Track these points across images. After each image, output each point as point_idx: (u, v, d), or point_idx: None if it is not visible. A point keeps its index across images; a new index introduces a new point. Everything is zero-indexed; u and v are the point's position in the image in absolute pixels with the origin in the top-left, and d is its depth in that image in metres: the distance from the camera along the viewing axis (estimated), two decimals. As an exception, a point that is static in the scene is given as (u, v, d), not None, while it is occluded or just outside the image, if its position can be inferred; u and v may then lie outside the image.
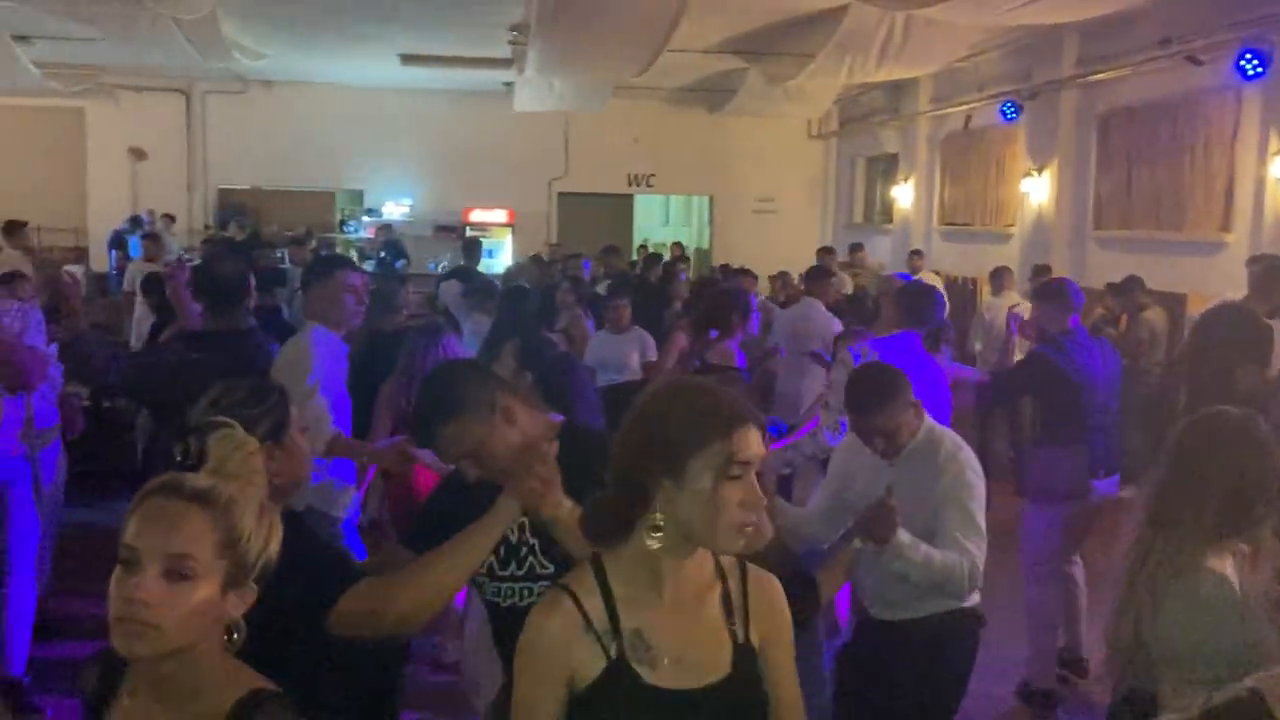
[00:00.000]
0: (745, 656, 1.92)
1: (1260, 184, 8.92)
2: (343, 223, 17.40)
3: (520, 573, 2.53)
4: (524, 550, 2.52)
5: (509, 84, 14.44)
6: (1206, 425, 2.54)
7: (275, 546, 1.73)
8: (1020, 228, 12.55)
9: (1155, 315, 8.75)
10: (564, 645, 1.85)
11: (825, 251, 12.70)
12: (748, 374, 6.21)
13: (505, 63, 13.03)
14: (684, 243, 17.81)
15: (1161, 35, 9.66)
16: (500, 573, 2.54)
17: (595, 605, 1.87)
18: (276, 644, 1.94)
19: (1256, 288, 5.63)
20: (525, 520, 2.43)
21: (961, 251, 14.19)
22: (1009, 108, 11.75)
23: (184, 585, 1.60)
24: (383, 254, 14.91)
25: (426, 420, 2.49)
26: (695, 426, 1.83)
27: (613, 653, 1.84)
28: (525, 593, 2.51)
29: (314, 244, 13.65)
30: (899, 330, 5.17)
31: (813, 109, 16.08)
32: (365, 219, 17.18)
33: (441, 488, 2.82)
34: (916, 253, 12.92)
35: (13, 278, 5.54)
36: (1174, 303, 8.95)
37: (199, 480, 1.70)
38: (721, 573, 1.96)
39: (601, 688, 1.84)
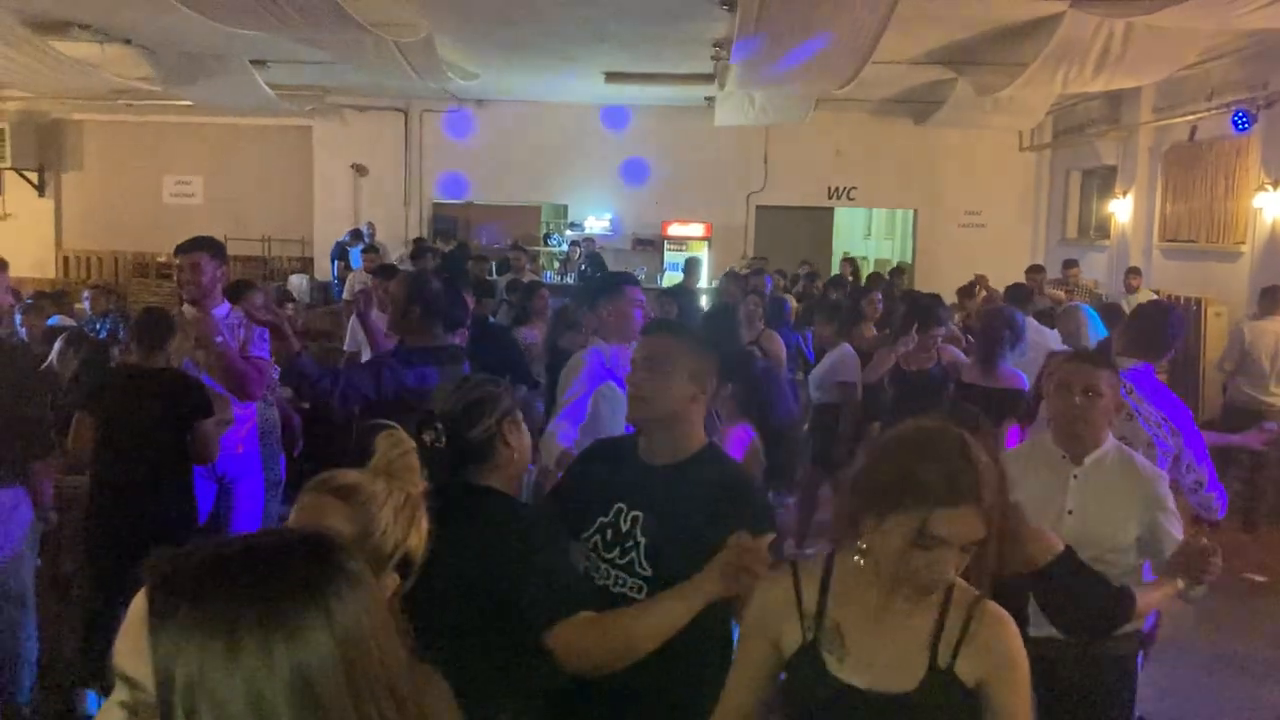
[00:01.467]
0: (938, 681, 1.96)
1: None
2: (547, 236, 17.89)
3: (621, 561, 2.65)
4: (630, 544, 2.64)
5: (710, 99, 14.53)
6: None
7: (418, 540, 1.84)
8: (1251, 245, 11.72)
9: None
10: (775, 614, 2.05)
11: (1034, 270, 12.21)
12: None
13: (707, 78, 13.12)
14: (887, 257, 17.47)
15: None
16: (605, 554, 2.68)
17: (811, 590, 2.03)
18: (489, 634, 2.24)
19: None
20: (639, 515, 2.61)
21: (1184, 270, 13.37)
22: (1241, 117, 11.00)
23: None
24: (584, 267, 15.24)
25: None
26: (900, 488, 1.90)
27: (810, 635, 2.00)
28: (619, 581, 2.64)
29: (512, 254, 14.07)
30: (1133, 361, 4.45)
31: (1024, 120, 15.49)
32: (568, 233, 17.62)
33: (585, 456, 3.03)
34: (1134, 270, 12.26)
35: (241, 288, 5.90)
36: None
37: (347, 476, 1.85)
38: (948, 601, 2.01)
39: (793, 664, 2.02)
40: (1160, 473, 3.30)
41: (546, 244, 17.70)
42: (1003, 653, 2.00)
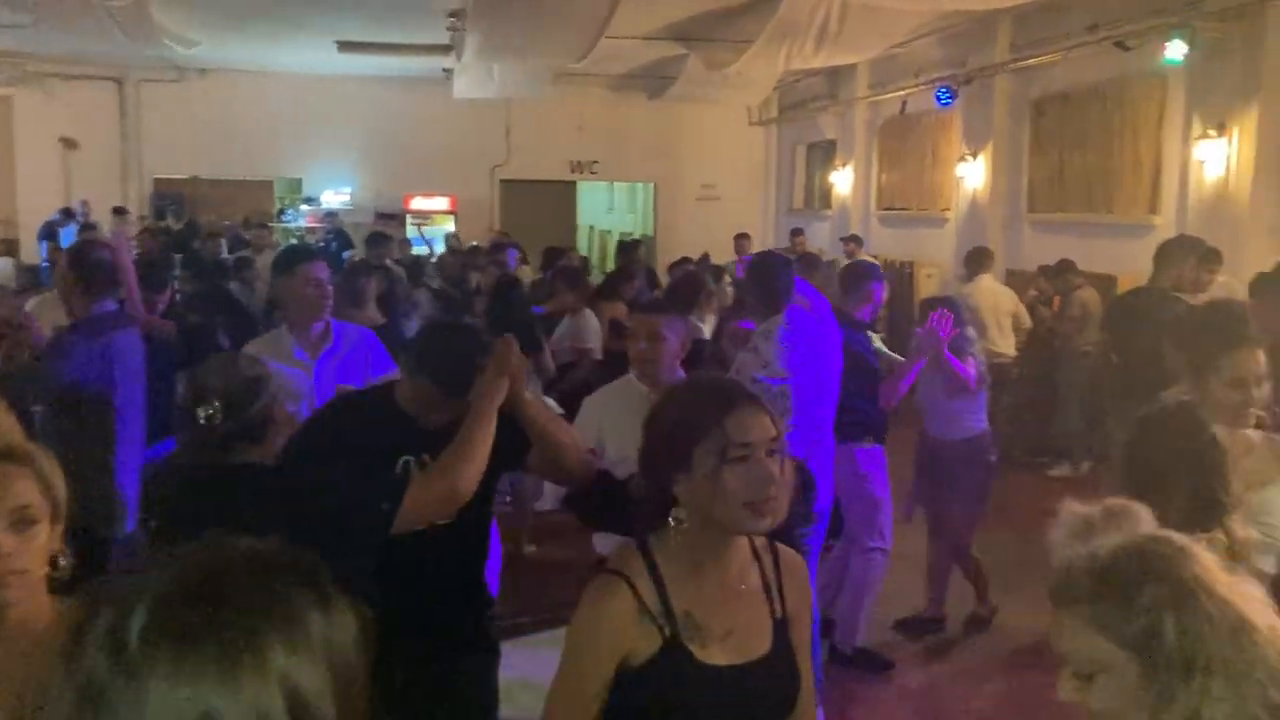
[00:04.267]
0: (782, 631, 2.03)
1: (1184, 167, 9.16)
2: (281, 212, 17.19)
3: None
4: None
5: (448, 71, 14.36)
6: (1156, 424, 2.60)
7: (63, 486, 1.93)
8: (956, 212, 12.75)
9: (1088, 296, 8.95)
10: (621, 628, 1.93)
11: (742, 236, 12.93)
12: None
13: (444, 49, 12.96)
14: (630, 230, 17.87)
15: (1091, 22, 9.88)
16: None
17: (647, 588, 1.95)
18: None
19: (1157, 265, 5.77)
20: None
21: (898, 236, 14.38)
22: (944, 93, 11.91)
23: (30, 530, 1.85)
24: (329, 243, 14.75)
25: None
26: (689, 419, 1.93)
27: (667, 633, 1.93)
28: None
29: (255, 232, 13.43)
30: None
31: (752, 95, 16.17)
32: (304, 208, 16.99)
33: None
34: (853, 238, 13.07)
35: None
36: (1105, 283, 9.15)
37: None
38: (756, 552, 2.05)
39: (656, 666, 1.93)
40: None
41: (281, 220, 17.00)
42: (806, 589, 2.12)
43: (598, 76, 15.85)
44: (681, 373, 3.64)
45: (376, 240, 10.24)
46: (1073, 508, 1.52)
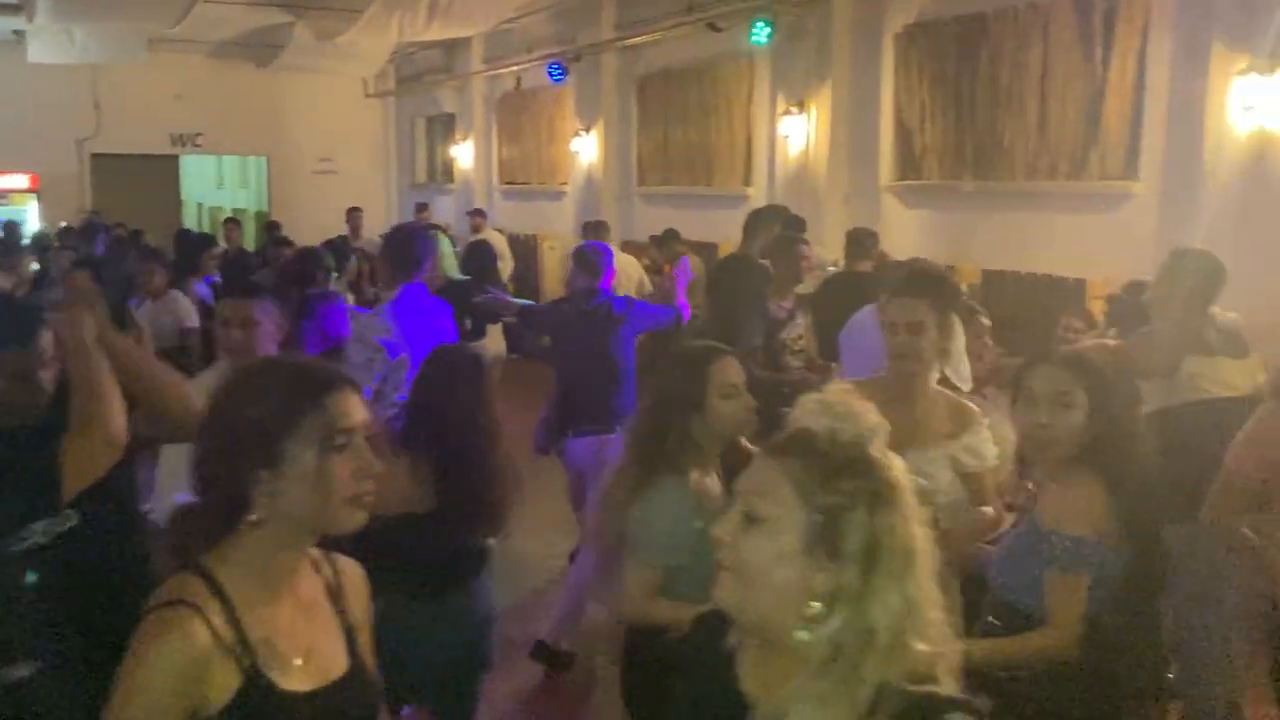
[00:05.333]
0: (355, 643, 1.84)
1: (772, 142, 9.96)
2: None
3: None
4: None
5: (20, 32, 12.91)
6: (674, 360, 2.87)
7: None
8: (573, 185, 13.14)
9: (693, 263, 9.53)
10: (190, 673, 1.62)
11: (354, 210, 12.67)
12: None
13: (13, 9, 11.65)
14: (243, 207, 16.95)
15: (687, 3, 10.47)
16: None
17: (218, 616, 1.66)
18: None
19: (746, 233, 6.27)
20: None
21: (521, 209, 14.63)
22: (555, 69, 12.20)
23: None
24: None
25: None
26: (280, 405, 1.69)
27: (246, 665, 1.66)
28: None
29: None
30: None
31: (366, 67, 15.79)
32: None
33: None
34: (478, 211, 13.13)
35: None
36: (709, 251, 9.79)
37: None
38: (315, 562, 1.84)
39: (237, 708, 1.65)
40: None
41: None
42: (365, 591, 1.93)
43: (199, 43, 14.84)
44: None
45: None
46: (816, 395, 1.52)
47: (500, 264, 11.58)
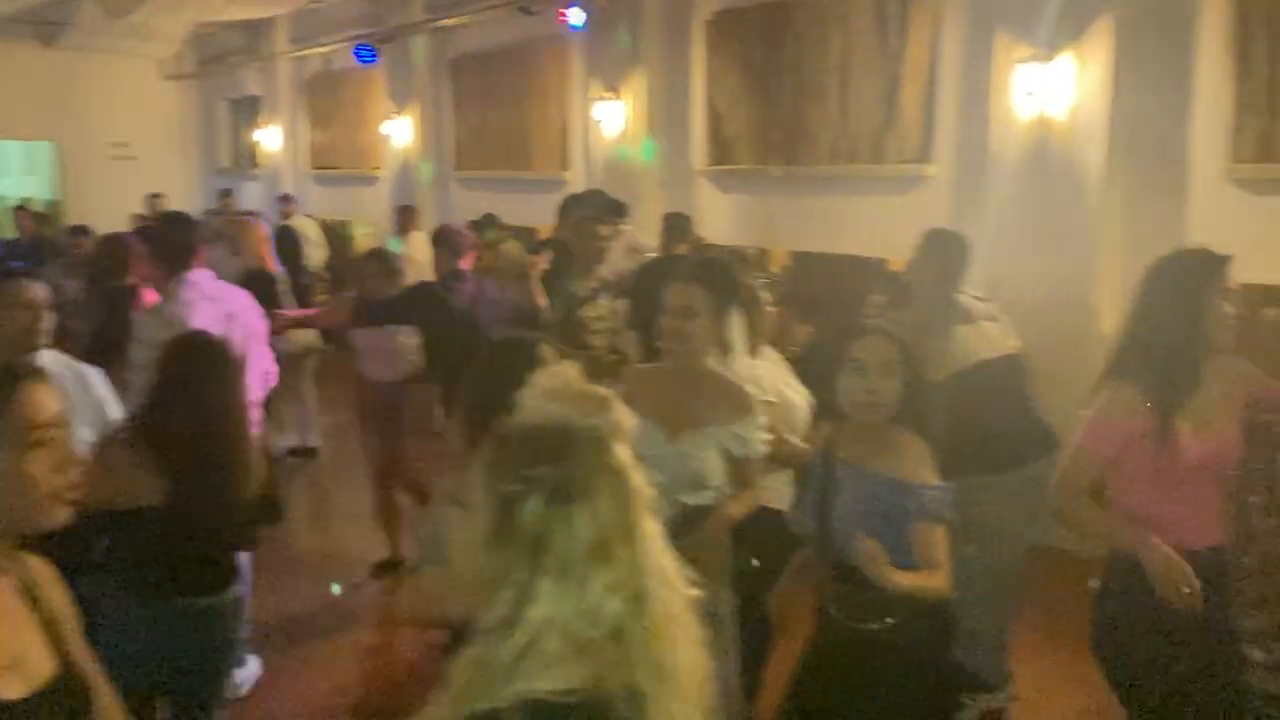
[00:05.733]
0: (59, 639, 1.76)
1: (587, 126, 10.01)
2: None
3: None
4: None
5: None
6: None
7: None
8: (387, 170, 12.88)
9: (511, 247, 9.49)
10: None
11: (155, 196, 12.21)
12: None
13: None
14: (31, 195, 15.83)
15: (498, -15, 10.38)
16: None
17: None
18: None
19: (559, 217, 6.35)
20: None
21: (334, 195, 14.25)
22: (365, 51, 11.91)
23: None
24: None
25: None
26: None
27: None
28: None
29: None
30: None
31: (162, 47, 15.01)
32: None
33: None
34: (287, 197, 12.74)
35: None
36: (528, 235, 9.77)
37: None
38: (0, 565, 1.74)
39: None
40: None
41: None
42: (60, 587, 1.84)
43: (-26, 19, 13.81)
44: None
45: None
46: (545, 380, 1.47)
47: (313, 251, 11.30)
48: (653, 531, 1.40)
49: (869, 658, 2.76)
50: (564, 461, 1.35)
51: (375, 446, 5.90)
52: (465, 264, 6.54)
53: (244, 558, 3.58)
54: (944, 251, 4.35)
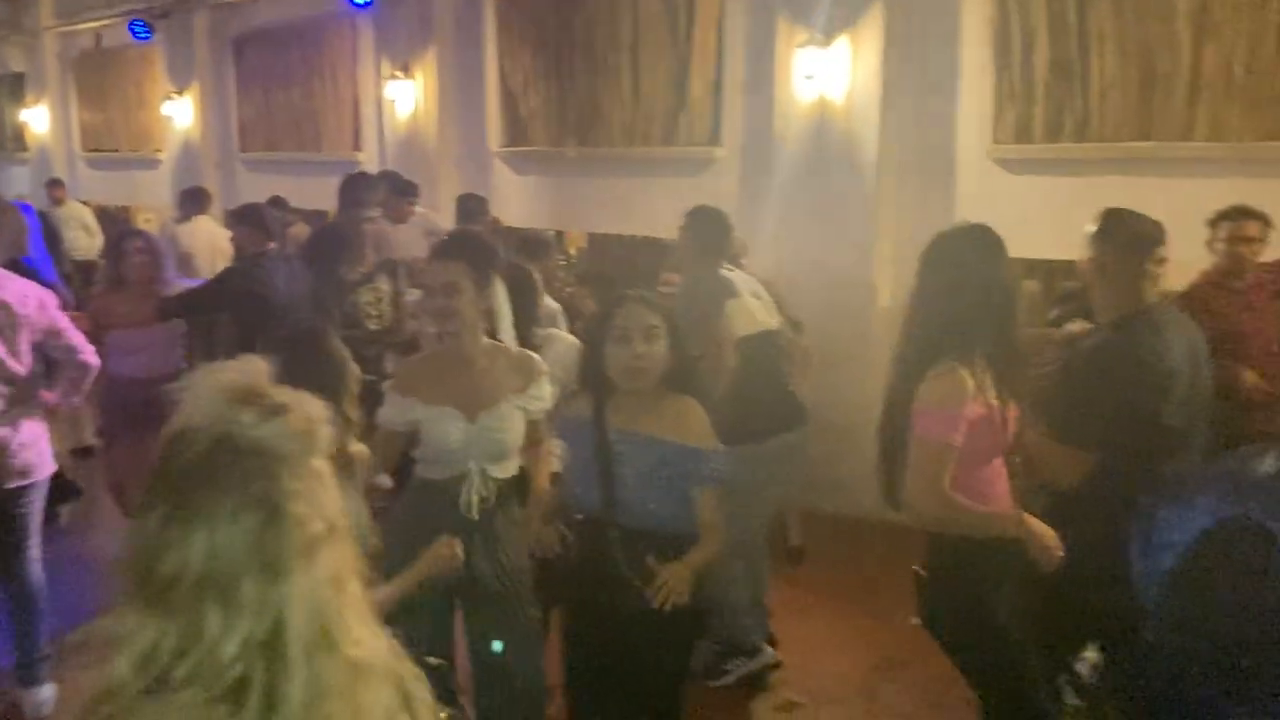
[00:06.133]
0: None
1: (379, 107, 9.76)
2: None
3: None
4: None
5: None
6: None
7: None
8: (169, 152, 12.25)
9: (299, 231, 9.18)
10: None
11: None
12: None
13: None
14: None
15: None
16: None
17: None
18: None
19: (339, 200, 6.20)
20: None
21: (110, 179, 13.46)
22: (139, 27, 11.28)
23: None
24: None
25: None
26: None
27: None
28: None
29: None
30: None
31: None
32: None
33: None
34: (57, 182, 11.90)
35: None
36: (319, 218, 9.45)
37: None
38: None
39: None
40: None
41: None
42: None
43: None
44: None
45: None
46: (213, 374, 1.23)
47: (82, 238, 10.64)
48: (343, 582, 1.19)
49: (634, 626, 2.78)
50: (179, 481, 1.14)
51: (139, 452, 5.49)
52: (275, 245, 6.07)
53: None
54: (706, 228, 4.47)
